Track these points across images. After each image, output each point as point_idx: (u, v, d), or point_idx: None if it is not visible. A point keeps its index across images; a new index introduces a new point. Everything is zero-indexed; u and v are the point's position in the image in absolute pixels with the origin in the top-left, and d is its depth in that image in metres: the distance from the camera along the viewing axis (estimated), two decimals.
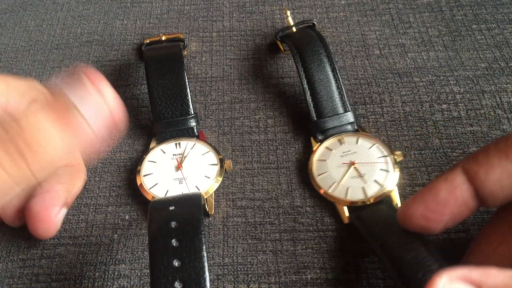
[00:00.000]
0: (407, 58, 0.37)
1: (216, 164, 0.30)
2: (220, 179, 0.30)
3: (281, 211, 0.29)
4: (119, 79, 0.37)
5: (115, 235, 0.29)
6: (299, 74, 0.32)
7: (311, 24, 0.37)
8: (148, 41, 0.38)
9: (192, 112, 0.32)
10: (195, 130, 0.32)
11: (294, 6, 0.42)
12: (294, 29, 0.36)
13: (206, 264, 0.21)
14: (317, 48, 0.33)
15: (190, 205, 0.23)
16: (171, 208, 0.23)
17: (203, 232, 0.21)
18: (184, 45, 0.38)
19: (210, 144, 0.32)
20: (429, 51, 0.37)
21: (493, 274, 0.18)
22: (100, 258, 0.28)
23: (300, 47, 0.33)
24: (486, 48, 0.37)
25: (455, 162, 0.31)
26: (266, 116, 0.34)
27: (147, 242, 0.28)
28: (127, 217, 0.29)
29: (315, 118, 0.32)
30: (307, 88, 0.32)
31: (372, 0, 0.42)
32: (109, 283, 0.27)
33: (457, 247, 0.27)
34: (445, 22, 0.40)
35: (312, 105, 0.32)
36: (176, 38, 0.38)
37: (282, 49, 0.37)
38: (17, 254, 0.28)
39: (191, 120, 0.32)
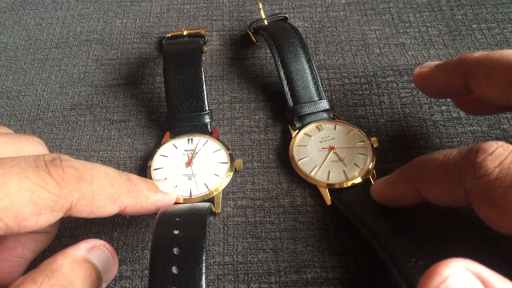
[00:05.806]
0: (407, 56, 0.37)
1: (226, 163, 0.30)
2: (229, 178, 0.30)
3: (281, 211, 0.29)
4: (119, 78, 0.37)
5: (115, 233, 0.28)
6: (275, 64, 0.33)
7: (283, 17, 0.38)
8: (169, 35, 0.38)
9: (207, 109, 0.32)
10: (209, 127, 0.32)
11: (294, 6, 0.42)
12: (265, 22, 0.38)
13: None
14: (293, 40, 0.34)
15: (195, 232, 0.22)
16: (176, 232, 0.22)
17: (204, 262, 0.21)
18: (205, 41, 0.38)
19: (222, 142, 0.32)
20: (429, 50, 0.37)
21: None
22: None
23: (276, 38, 0.34)
24: (487, 48, 0.37)
25: None
26: (266, 116, 0.34)
27: (147, 239, 0.28)
28: (127, 216, 0.29)
29: (291, 105, 0.32)
30: (284, 77, 0.33)
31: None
32: (111, 284, 0.26)
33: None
34: (445, 21, 0.40)
35: (289, 94, 0.33)
36: (198, 34, 0.39)
37: (254, 40, 0.38)
38: None
39: (205, 117, 0.32)
